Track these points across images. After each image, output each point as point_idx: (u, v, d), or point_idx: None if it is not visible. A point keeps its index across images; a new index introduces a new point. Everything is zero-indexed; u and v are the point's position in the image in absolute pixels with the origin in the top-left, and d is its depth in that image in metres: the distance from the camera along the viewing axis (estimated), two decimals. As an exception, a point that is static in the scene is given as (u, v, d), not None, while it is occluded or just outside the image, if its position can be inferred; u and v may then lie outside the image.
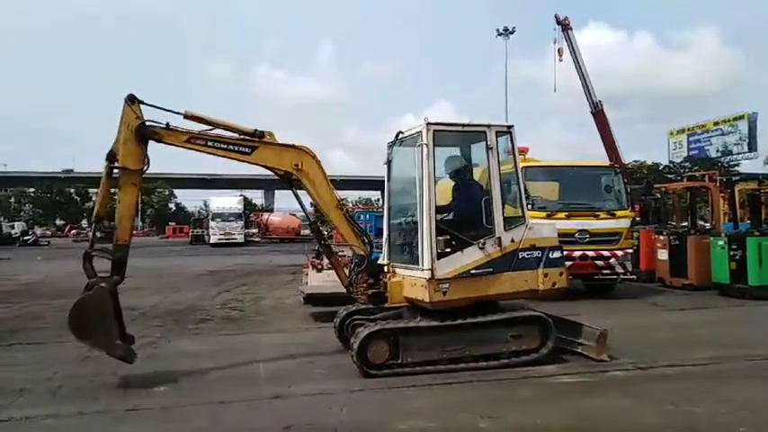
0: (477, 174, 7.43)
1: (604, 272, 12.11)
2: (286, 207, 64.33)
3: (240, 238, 44.51)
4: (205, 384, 6.12)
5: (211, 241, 43.98)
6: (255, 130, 6.63)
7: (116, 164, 6.14)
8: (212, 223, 45.35)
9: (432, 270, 6.25)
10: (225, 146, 6.52)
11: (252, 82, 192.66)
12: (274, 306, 12.08)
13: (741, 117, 48.96)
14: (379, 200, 63.85)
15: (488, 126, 6.81)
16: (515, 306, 7.01)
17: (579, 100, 34.42)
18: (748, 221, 14.01)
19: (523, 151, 10.96)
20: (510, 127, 6.96)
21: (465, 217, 6.71)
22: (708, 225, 17.16)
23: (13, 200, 79.63)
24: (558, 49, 33.99)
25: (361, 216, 21.87)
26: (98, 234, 6.49)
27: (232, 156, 6.59)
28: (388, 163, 7.36)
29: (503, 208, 6.69)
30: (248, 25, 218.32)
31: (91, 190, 69.96)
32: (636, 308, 11.47)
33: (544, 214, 11.17)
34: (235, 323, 10.13)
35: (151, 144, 6.27)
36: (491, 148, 6.69)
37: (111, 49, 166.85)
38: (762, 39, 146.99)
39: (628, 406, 5.31)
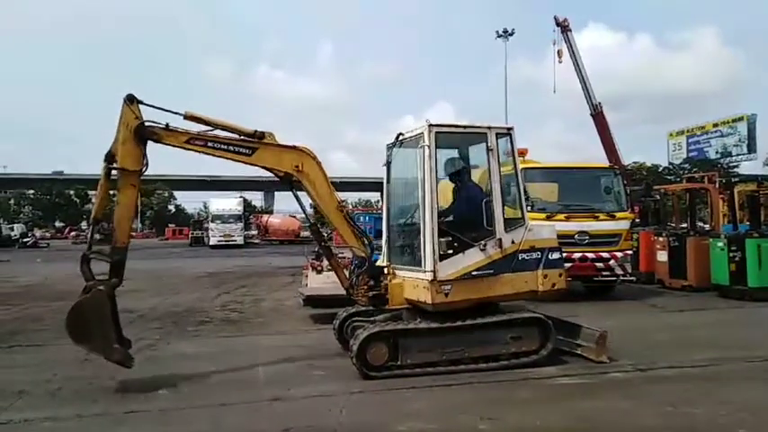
0: (475, 175, 7.44)
1: (604, 273, 12.11)
2: (286, 209, 64.41)
3: (240, 240, 44.48)
4: (204, 386, 6.11)
5: (211, 243, 43.99)
6: (255, 131, 6.57)
7: (115, 165, 6.08)
8: (212, 225, 45.34)
9: (434, 272, 6.25)
10: (225, 147, 6.46)
11: (252, 82, 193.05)
12: (274, 308, 12.07)
13: (740, 119, 49.05)
14: (378, 201, 63.83)
15: (489, 128, 6.83)
16: (515, 308, 7.01)
17: (579, 101, 34.53)
18: (747, 223, 14.02)
19: (523, 153, 10.96)
20: (510, 129, 6.98)
21: (465, 219, 6.71)
22: (707, 226, 17.17)
23: (12, 202, 79.61)
24: (558, 51, 34.07)
25: (361, 218, 21.88)
26: (97, 236, 6.42)
27: (232, 157, 6.53)
28: (388, 164, 7.36)
29: (503, 209, 6.71)
30: (248, 25, 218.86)
31: (90, 192, 69.96)
32: (635, 309, 11.47)
33: (544, 216, 11.18)
34: (234, 325, 10.12)
35: (150, 145, 6.20)
36: (492, 150, 6.70)
37: (111, 49, 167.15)
38: (761, 39, 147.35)
39: (627, 407, 5.31)
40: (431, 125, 6.47)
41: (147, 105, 6.14)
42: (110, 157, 6.12)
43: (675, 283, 13.63)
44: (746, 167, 48.77)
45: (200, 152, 6.41)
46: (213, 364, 7.06)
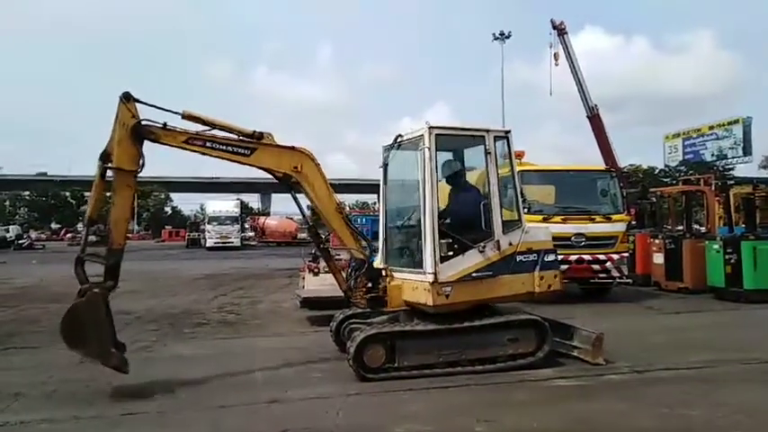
0: (471, 177, 7.46)
1: (600, 275, 12.14)
2: (283, 211, 64.39)
3: (236, 242, 44.43)
4: (201, 388, 6.10)
5: (208, 245, 43.89)
6: (254, 132, 6.46)
7: (110, 164, 5.94)
8: (209, 227, 45.25)
9: (435, 273, 6.26)
10: (223, 147, 6.36)
11: (251, 83, 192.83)
12: (271, 310, 12.06)
13: (736, 121, 49.31)
14: (375, 203, 63.83)
15: (487, 130, 6.86)
16: (512, 309, 7.02)
17: (575, 104, 34.50)
18: (743, 225, 14.07)
19: (520, 155, 10.98)
20: (507, 132, 7.02)
21: (462, 220, 6.72)
22: (703, 229, 17.23)
23: (8, 203, 79.34)
24: (554, 54, 34.12)
25: (358, 219, 21.86)
26: (92, 238, 6.39)
27: (231, 157, 6.43)
28: (385, 166, 7.37)
29: (501, 212, 6.73)
30: (248, 26, 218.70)
31: (86, 193, 69.75)
32: (632, 311, 11.50)
33: (540, 218, 11.20)
34: (231, 327, 10.11)
35: (147, 146, 6.05)
36: (490, 153, 6.73)
37: (111, 50, 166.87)
38: (759, 41, 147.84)
39: (624, 409, 5.32)
40: (431, 127, 6.47)
41: (144, 104, 6.00)
42: (105, 157, 6.00)
43: (671, 286, 13.67)
44: (742, 170, 49.10)
45: (198, 152, 6.30)
46: (210, 366, 7.05)
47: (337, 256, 7.86)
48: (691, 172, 41.49)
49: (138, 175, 6.10)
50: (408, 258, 6.97)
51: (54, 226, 78.07)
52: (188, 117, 6.18)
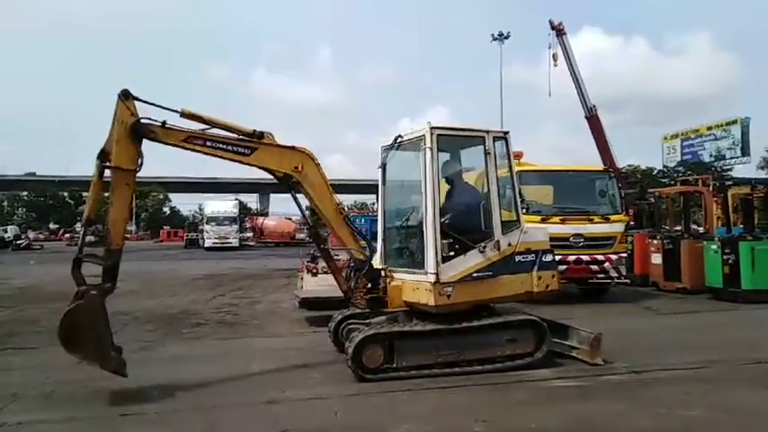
0: (469, 178, 7.47)
1: (599, 276, 12.15)
2: (281, 211, 64.36)
3: (235, 242, 44.41)
4: (200, 389, 6.09)
5: (206, 245, 43.87)
6: (254, 131, 6.38)
7: (109, 163, 5.80)
8: (207, 227, 45.21)
9: (437, 274, 6.26)
10: (224, 146, 6.25)
11: (251, 84, 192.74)
12: (269, 310, 12.06)
13: (734, 122, 49.34)
14: (374, 204, 63.81)
15: (487, 131, 6.88)
16: (510, 310, 7.03)
17: (574, 104, 34.53)
18: (741, 226, 14.09)
19: (518, 155, 10.99)
20: (506, 133, 7.06)
21: (462, 221, 6.72)
22: (701, 229, 17.24)
23: (5, 203, 79.23)
24: (553, 55, 34.15)
25: (356, 220, 21.83)
26: (91, 238, 6.23)
27: (231, 157, 6.33)
28: (383, 166, 7.36)
29: (500, 212, 6.75)
30: (247, 27, 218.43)
31: (84, 193, 69.67)
32: (630, 312, 11.51)
33: (539, 218, 11.21)
34: (230, 327, 10.11)
35: (145, 145, 5.93)
36: (489, 153, 6.75)
37: (111, 50, 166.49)
38: (758, 42, 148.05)
39: (622, 410, 5.32)
40: (432, 127, 6.48)
41: (143, 102, 5.89)
42: (104, 156, 5.86)
43: (670, 286, 13.68)
44: (740, 170, 49.06)
45: (198, 152, 6.19)
46: (208, 367, 7.06)
47: (336, 257, 7.85)
48: (689, 172, 41.51)
49: (137, 174, 5.99)
50: (408, 259, 6.97)
51: (52, 226, 77.99)
52: (187, 115, 6.07)
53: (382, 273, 6.89)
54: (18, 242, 47.57)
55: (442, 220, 6.69)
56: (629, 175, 43.74)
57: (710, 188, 17.45)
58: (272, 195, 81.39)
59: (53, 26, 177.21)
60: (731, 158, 49.42)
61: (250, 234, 55.54)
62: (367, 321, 7.09)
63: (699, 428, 4.96)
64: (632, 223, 15.71)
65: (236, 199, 57.21)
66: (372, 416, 5.33)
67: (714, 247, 12.54)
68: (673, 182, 39.38)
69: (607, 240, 12.12)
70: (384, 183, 7.44)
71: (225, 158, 6.35)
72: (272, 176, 6.72)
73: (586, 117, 34.29)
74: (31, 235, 60.72)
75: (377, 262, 7.14)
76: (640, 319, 10.71)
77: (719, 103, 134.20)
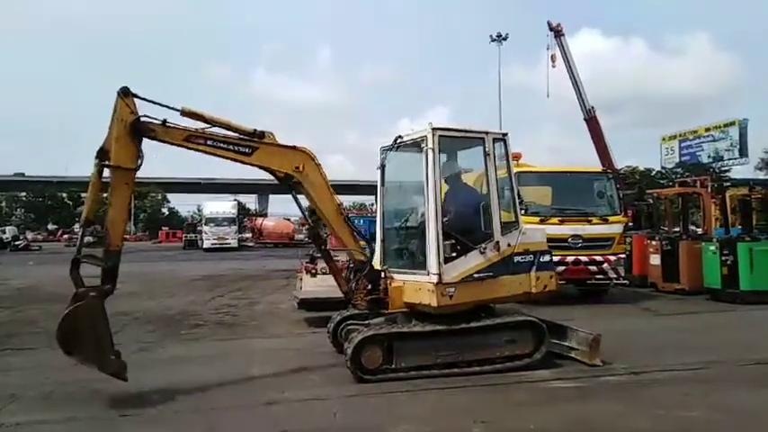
0: (469, 179, 7.47)
1: (597, 277, 12.16)
2: (280, 212, 64.29)
3: (234, 243, 44.37)
4: (199, 390, 6.08)
5: (205, 246, 43.84)
6: (255, 130, 6.32)
7: (108, 162, 5.67)
8: (206, 228, 45.17)
9: (439, 274, 6.27)
10: (225, 146, 6.16)
11: (251, 84, 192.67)
12: (268, 311, 12.06)
13: (732, 123, 49.38)
14: (373, 204, 63.76)
15: (486, 133, 6.90)
16: (509, 311, 7.04)
17: (572, 106, 34.59)
18: (739, 227, 14.11)
19: (517, 157, 11.00)
20: (505, 134, 7.10)
21: (462, 221, 6.73)
22: (699, 230, 17.27)
23: (4, 204, 79.14)
24: (551, 56, 34.20)
25: (355, 221, 21.81)
26: (89, 239, 6.14)
27: (232, 156, 6.24)
28: (382, 167, 7.36)
29: (500, 213, 6.77)
30: (247, 27, 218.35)
31: (83, 194, 69.61)
32: (628, 313, 11.52)
33: (537, 219, 11.22)
34: (228, 328, 10.10)
35: (145, 145, 5.82)
36: (489, 155, 6.77)
37: (111, 50, 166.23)
38: (756, 43, 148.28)
39: (621, 411, 5.33)
40: (434, 128, 6.49)
41: (143, 99, 5.75)
42: (103, 154, 5.73)
43: (668, 287, 13.69)
44: (738, 171, 49.09)
45: (198, 151, 6.10)
46: (207, 368, 7.06)
47: (335, 258, 7.85)
48: (687, 174, 41.59)
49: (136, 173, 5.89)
50: (409, 260, 6.97)
51: (50, 227, 77.91)
52: (187, 114, 5.98)
53: (382, 274, 6.89)
54: (16, 243, 47.55)
55: (443, 220, 6.70)
56: (627, 176, 43.74)
57: (709, 189, 17.51)
58: (270, 196, 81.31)
59: (53, 26, 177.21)
60: (729, 160, 49.46)
61: (249, 235, 55.52)
62: (366, 322, 7.09)
63: (698, 429, 4.97)
64: (631, 224, 15.73)
65: (235, 200, 57.18)
66: (371, 417, 5.33)
67: (712, 248, 12.56)
68: (671, 183, 39.48)
69: (606, 241, 12.13)
70: (383, 184, 7.44)
71: (226, 158, 6.27)
72: (272, 177, 6.68)
73: (585, 118, 34.34)
74: (30, 236, 60.70)
75: (376, 263, 7.15)
76: (639, 320, 10.72)
77: (718, 103, 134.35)
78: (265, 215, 68.92)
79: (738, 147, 48.62)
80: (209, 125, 6.15)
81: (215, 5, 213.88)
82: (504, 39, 46.03)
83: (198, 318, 11.16)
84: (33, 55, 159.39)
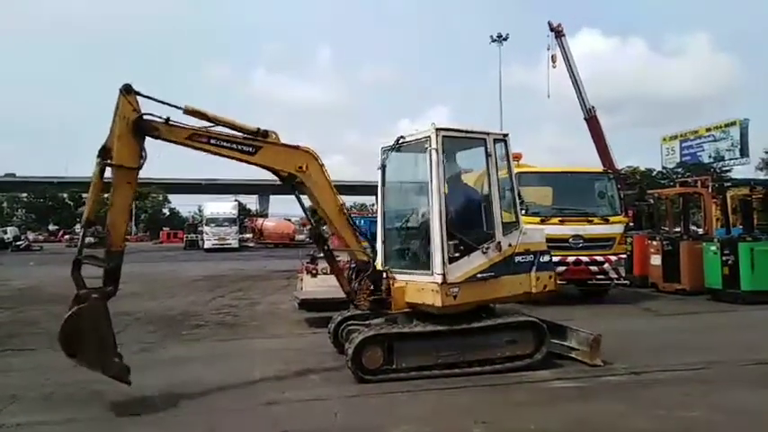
0: (469, 180, 7.48)
1: (598, 277, 12.15)
2: (281, 212, 64.34)
3: (234, 244, 44.42)
4: (199, 390, 6.08)
5: (206, 246, 43.89)
6: (258, 129, 6.24)
7: (110, 161, 5.55)
8: (206, 228, 45.23)
9: (443, 274, 6.27)
10: (228, 145, 6.07)
11: (251, 84, 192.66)
12: (269, 311, 12.06)
13: (733, 123, 49.38)
14: (373, 205, 63.71)
15: (488, 133, 6.93)
16: (509, 311, 7.05)
17: (573, 106, 34.58)
18: (740, 227, 14.10)
19: (517, 157, 11.00)
20: (506, 135, 7.14)
21: (463, 221, 6.73)
22: (700, 230, 17.26)
23: (5, 204, 79.22)
24: (552, 56, 34.19)
25: (355, 221, 21.80)
26: (90, 239, 6.10)
27: (235, 155, 6.15)
28: (383, 167, 7.36)
29: (501, 213, 6.78)
30: (247, 27, 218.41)
31: (84, 195, 69.66)
32: (629, 313, 11.51)
33: (538, 219, 11.22)
34: (229, 329, 10.10)
35: (147, 145, 5.74)
36: (490, 155, 6.79)
37: (111, 49, 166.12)
38: (756, 43, 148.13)
39: (622, 411, 5.33)
40: (438, 128, 6.49)
41: (145, 97, 5.66)
42: (105, 152, 5.60)
43: (669, 287, 13.68)
44: (739, 172, 49.06)
45: (201, 150, 6.00)
46: (208, 368, 7.06)
47: (336, 258, 7.84)
48: (688, 174, 41.56)
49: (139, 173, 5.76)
50: (411, 260, 6.97)
51: (51, 227, 77.96)
52: (190, 112, 5.88)
53: (384, 274, 6.87)
54: (17, 243, 47.59)
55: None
56: (628, 177, 43.72)
57: (710, 189, 17.49)
58: (271, 197, 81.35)
59: (53, 26, 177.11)
60: (730, 160, 49.45)
61: (250, 235, 55.55)
62: (367, 322, 7.09)
63: (698, 429, 4.97)
64: (631, 224, 15.72)
65: (236, 200, 57.25)
66: (372, 417, 5.33)
67: (713, 248, 12.55)
68: (672, 183, 39.43)
69: (606, 241, 12.12)
70: (384, 184, 7.43)
71: (229, 157, 6.18)
72: (273, 177, 6.63)
73: (585, 118, 34.33)
74: (31, 236, 60.71)
75: (377, 263, 7.14)
76: (640, 321, 10.72)
77: (718, 103, 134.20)
78: (266, 216, 68.99)
79: (739, 147, 48.61)
80: (212, 124, 6.05)
81: (215, 5, 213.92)
82: (505, 39, 46.05)
83: (199, 318, 11.16)
84: (33, 55, 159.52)
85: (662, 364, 6.88)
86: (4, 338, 9.09)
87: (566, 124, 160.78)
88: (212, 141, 6.03)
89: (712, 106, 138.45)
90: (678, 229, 16.04)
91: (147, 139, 5.74)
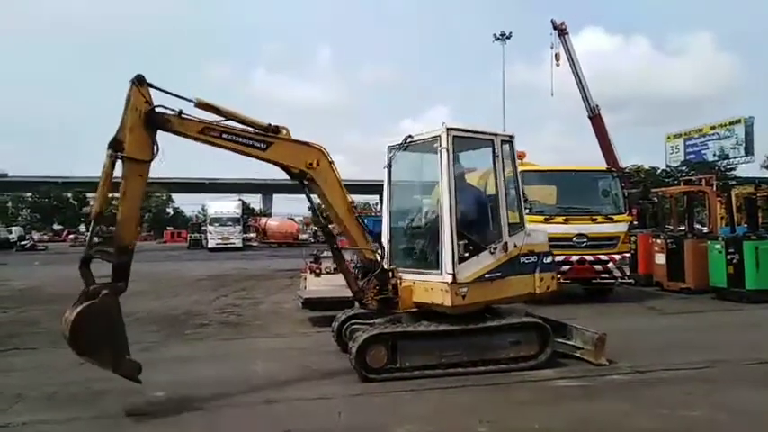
0: (471, 179, 7.47)
1: (602, 276, 12.12)
2: (284, 212, 64.46)
3: (238, 243, 44.49)
4: (202, 389, 6.07)
5: (209, 246, 44.01)
6: (270, 125, 6.13)
7: (121, 153, 5.34)
8: (210, 228, 45.36)
9: (454, 274, 6.27)
10: (240, 140, 5.94)
11: (251, 84, 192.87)
12: (272, 310, 12.07)
13: (738, 121, 49.14)
14: (377, 204, 63.70)
15: (495, 135, 6.96)
16: (514, 311, 7.04)
17: (576, 104, 34.58)
18: (745, 225, 14.06)
19: (521, 156, 10.98)
20: (512, 137, 7.17)
21: (469, 221, 6.72)
22: (705, 229, 17.22)
23: (10, 204, 79.52)
24: (555, 54, 34.17)
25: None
26: (95, 239, 5.78)
27: (246, 151, 6.01)
28: (389, 166, 7.34)
29: (507, 214, 6.79)
30: (248, 27, 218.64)
31: (88, 195, 69.91)
32: (634, 311, 11.48)
33: (542, 218, 11.20)
34: (233, 328, 10.11)
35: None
36: (497, 156, 6.82)
37: (111, 50, 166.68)
38: (756, 43, 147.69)
39: (626, 410, 5.31)
40: (449, 128, 6.50)
41: (157, 89, 5.52)
42: (116, 144, 5.38)
43: (673, 286, 13.65)
44: (744, 170, 48.85)
45: (212, 144, 5.85)
46: (211, 367, 7.07)
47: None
48: (692, 172, 41.42)
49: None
50: (419, 259, 6.96)
51: (56, 227, 78.26)
52: (202, 106, 5.73)
53: (391, 273, 6.82)
54: (22, 243, 47.78)
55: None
56: (632, 175, 43.69)
57: (714, 188, 17.46)
58: (275, 196, 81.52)
59: (53, 26, 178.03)
60: (735, 158, 49.24)
61: (253, 234, 55.63)
62: (371, 321, 7.08)
63: (701, 429, 4.94)
64: (636, 223, 15.69)
65: (240, 200, 57.28)
66: (376, 416, 5.32)
67: (718, 246, 12.51)
68: (676, 181, 39.29)
69: (610, 240, 12.09)
70: (390, 183, 7.42)
71: (240, 152, 6.06)
72: (277, 175, 6.56)
73: (589, 117, 34.29)
74: (36, 236, 60.98)
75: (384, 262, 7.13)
76: (644, 319, 10.68)
77: (719, 103, 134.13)
78: (269, 215, 69.10)
79: (744, 145, 48.39)
80: (223, 118, 5.91)
81: (215, 5, 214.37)
82: (508, 38, 46.04)
83: (202, 317, 11.18)
84: (33, 55, 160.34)
85: (666, 362, 6.86)
86: (5, 338, 9.12)
87: (569, 123, 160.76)
88: (224, 136, 5.89)
89: (712, 106, 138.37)
90: (682, 228, 16.01)
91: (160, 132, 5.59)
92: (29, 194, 79.36)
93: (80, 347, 5.23)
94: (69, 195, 77.52)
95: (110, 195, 5.61)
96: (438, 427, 5.01)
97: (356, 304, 7.39)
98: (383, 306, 6.82)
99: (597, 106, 34.18)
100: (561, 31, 33.73)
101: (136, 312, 11.29)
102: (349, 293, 7.07)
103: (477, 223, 6.76)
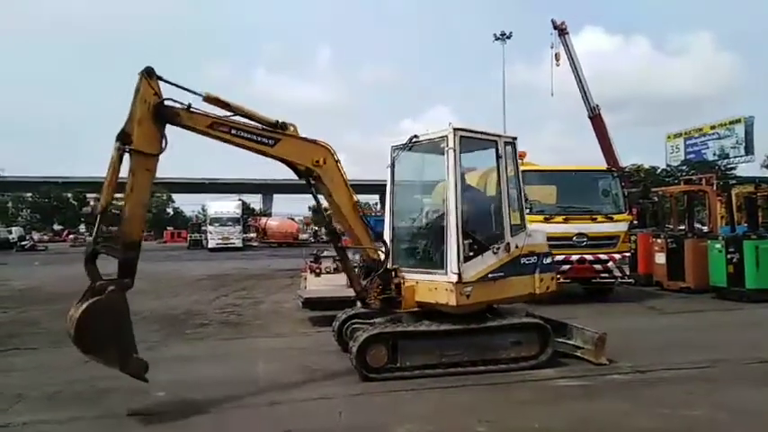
0: (471, 179, 7.47)
1: (602, 275, 12.12)
2: (284, 211, 64.45)
3: (238, 243, 44.49)
4: (203, 389, 6.09)
5: (209, 246, 44.00)
6: (277, 121, 6.10)
7: (130, 146, 5.22)
8: (210, 228, 45.35)
9: (459, 274, 6.28)
10: (248, 135, 5.89)
11: (251, 84, 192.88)
12: (273, 310, 12.07)
13: (738, 121, 49.12)
14: (377, 204, 63.66)
15: (499, 136, 6.99)
16: (514, 311, 7.05)
17: (576, 104, 34.59)
18: (745, 224, 14.05)
19: (521, 155, 10.95)
20: (514, 138, 7.20)
21: (474, 222, 6.71)
22: (705, 228, 17.22)
23: (10, 204, 79.48)
24: (555, 54, 34.17)
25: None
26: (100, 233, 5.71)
27: (254, 147, 5.96)
28: (392, 166, 7.33)
29: (510, 215, 6.81)
30: (248, 27, 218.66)
31: (89, 195, 69.90)
32: (634, 311, 11.48)
33: (542, 218, 11.20)
34: (233, 327, 10.12)
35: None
36: (501, 157, 6.84)
37: (111, 50, 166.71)
38: (756, 43, 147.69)
39: (626, 409, 5.31)
40: (456, 129, 6.51)
41: (166, 82, 5.44)
42: (124, 137, 5.26)
43: (673, 285, 13.65)
44: (744, 169, 48.81)
45: (220, 139, 5.79)
46: (212, 367, 7.07)
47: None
48: (692, 171, 41.42)
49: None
50: (423, 259, 6.95)
51: (56, 227, 78.23)
52: (210, 100, 5.67)
53: (394, 273, 6.81)
54: (22, 243, 47.76)
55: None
56: (632, 175, 43.66)
57: (714, 187, 17.44)
58: (275, 196, 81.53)
59: (53, 26, 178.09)
60: (735, 157, 49.21)
61: (253, 234, 55.63)
62: (371, 321, 7.08)
63: (702, 428, 4.95)
64: (636, 222, 15.68)
65: (240, 200, 57.28)
66: (376, 416, 5.32)
67: (718, 246, 12.51)
68: (676, 181, 39.28)
69: (610, 240, 12.09)
70: (393, 182, 7.40)
71: (247, 148, 6.02)
72: (282, 174, 6.66)
73: (589, 117, 34.29)
74: (36, 236, 60.96)
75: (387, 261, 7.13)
76: (644, 319, 10.69)
77: (719, 103, 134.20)
78: (269, 215, 69.06)
79: (744, 144, 48.37)
80: (232, 113, 5.85)
81: (215, 5, 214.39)
82: (508, 37, 46.03)
83: (203, 317, 11.18)
84: (33, 55, 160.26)
85: (666, 362, 6.86)
86: (5, 338, 9.11)
87: (569, 123, 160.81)
88: (233, 131, 5.82)
89: (712, 106, 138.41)
90: (683, 227, 16.01)
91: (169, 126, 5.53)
92: (29, 194, 79.31)
93: (85, 345, 5.12)
94: (69, 195, 77.44)
95: (114, 195, 5.49)
96: (438, 427, 5.01)
97: (357, 303, 7.39)
98: (386, 306, 6.81)
99: (597, 106, 34.19)
100: (561, 30, 33.73)
101: (137, 312, 11.15)
102: (349, 293, 7.08)
103: (482, 223, 6.78)
